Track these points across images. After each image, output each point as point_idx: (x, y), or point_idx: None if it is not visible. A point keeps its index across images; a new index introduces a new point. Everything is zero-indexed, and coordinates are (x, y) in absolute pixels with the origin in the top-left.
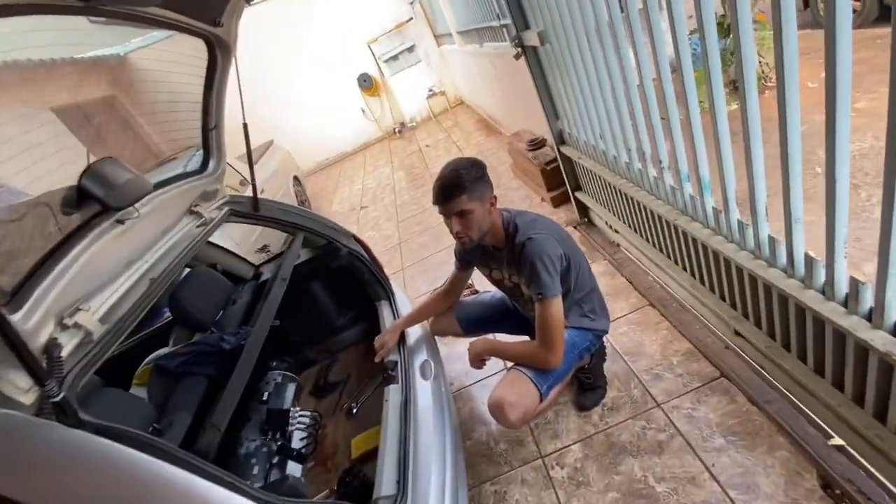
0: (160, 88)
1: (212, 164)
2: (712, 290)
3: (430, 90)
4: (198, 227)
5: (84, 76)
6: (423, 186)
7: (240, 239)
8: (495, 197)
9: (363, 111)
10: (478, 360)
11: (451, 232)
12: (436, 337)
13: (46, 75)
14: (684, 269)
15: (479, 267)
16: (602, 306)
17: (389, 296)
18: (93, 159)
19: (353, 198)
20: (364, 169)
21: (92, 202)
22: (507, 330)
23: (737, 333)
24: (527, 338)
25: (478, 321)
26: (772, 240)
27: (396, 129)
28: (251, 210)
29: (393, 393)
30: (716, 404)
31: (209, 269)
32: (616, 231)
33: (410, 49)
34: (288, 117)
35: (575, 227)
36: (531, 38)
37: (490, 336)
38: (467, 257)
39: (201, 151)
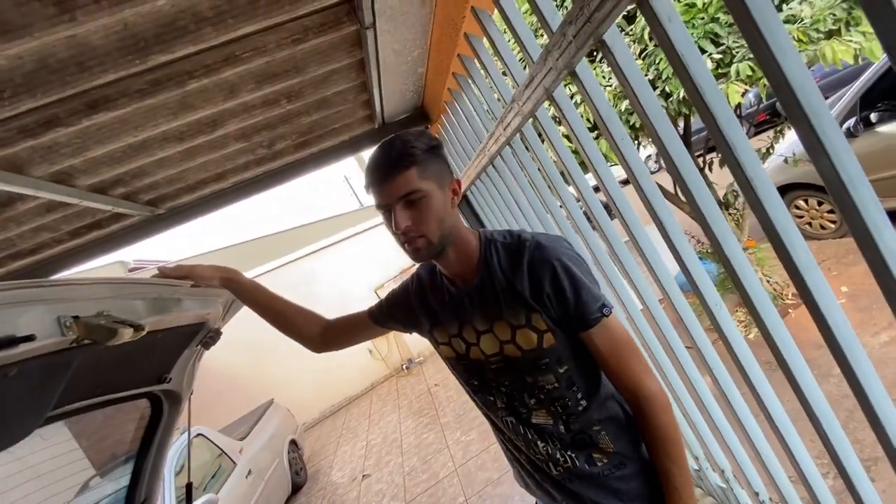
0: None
1: None
2: None
3: None
4: None
5: None
6: (434, 444)
7: None
8: (458, 182)
9: (370, 352)
10: None
11: (395, 231)
12: None
13: None
14: None
15: (428, 328)
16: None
17: None
18: None
19: (356, 460)
20: (369, 418)
21: None
22: None
23: None
24: None
25: None
26: None
27: (404, 366)
28: None
29: None
30: None
31: None
32: None
33: None
34: (293, 367)
35: None
36: None
37: None
38: (400, 308)
39: None
